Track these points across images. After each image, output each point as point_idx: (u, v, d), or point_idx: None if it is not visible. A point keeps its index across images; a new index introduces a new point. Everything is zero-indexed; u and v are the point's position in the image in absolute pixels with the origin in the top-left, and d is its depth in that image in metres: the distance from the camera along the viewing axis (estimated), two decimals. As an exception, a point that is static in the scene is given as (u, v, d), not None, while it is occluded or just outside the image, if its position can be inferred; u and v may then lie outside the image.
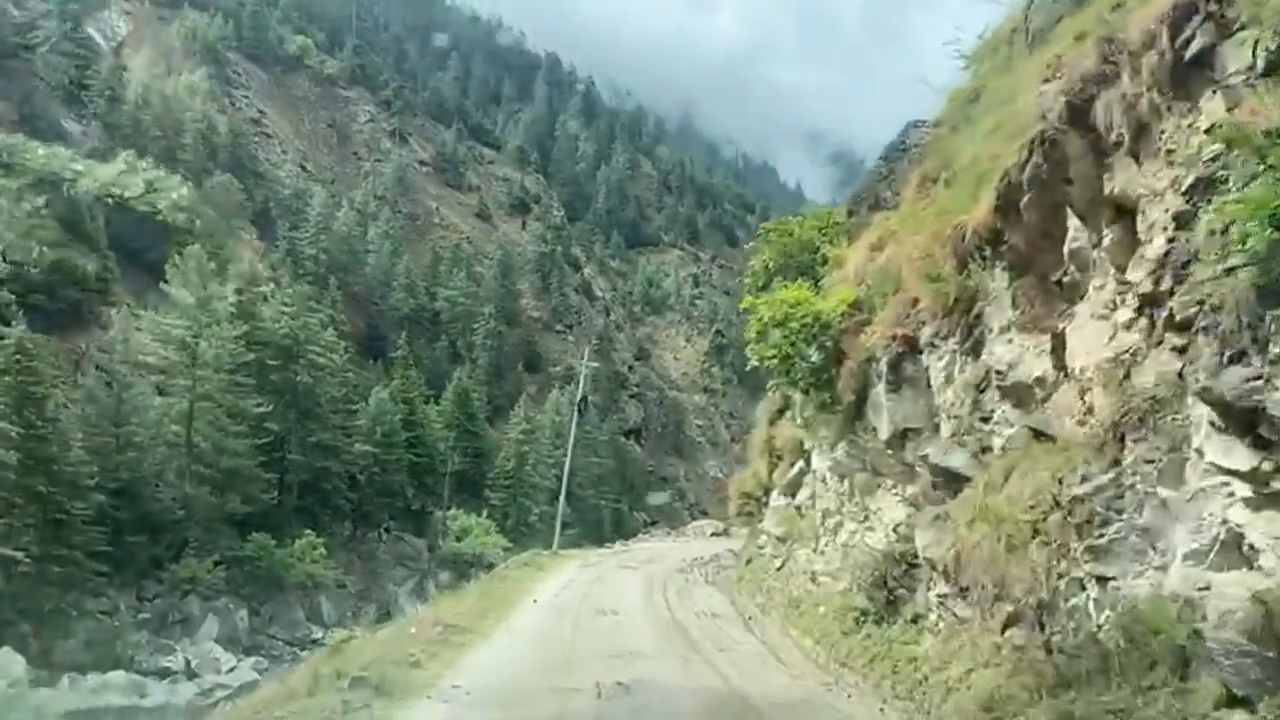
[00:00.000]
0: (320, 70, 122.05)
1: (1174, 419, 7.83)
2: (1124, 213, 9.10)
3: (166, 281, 43.32)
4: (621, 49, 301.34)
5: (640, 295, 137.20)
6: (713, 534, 49.55)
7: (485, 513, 61.13)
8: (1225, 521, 7.16)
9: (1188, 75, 8.03)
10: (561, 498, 43.98)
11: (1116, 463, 8.41)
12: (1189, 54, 7.93)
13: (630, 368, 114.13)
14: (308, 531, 45.06)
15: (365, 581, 52.04)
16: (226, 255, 57.93)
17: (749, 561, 24.10)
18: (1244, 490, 6.92)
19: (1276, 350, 6.47)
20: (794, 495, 20.64)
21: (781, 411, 22.40)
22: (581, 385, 44.90)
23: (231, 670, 37.69)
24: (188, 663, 37.82)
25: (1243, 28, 7.37)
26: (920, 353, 13.58)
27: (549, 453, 70.10)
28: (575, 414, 44.85)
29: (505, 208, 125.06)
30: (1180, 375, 7.72)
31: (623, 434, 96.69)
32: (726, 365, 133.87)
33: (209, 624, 40.64)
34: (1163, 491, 7.81)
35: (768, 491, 23.87)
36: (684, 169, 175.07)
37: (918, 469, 13.44)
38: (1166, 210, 8.19)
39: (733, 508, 26.62)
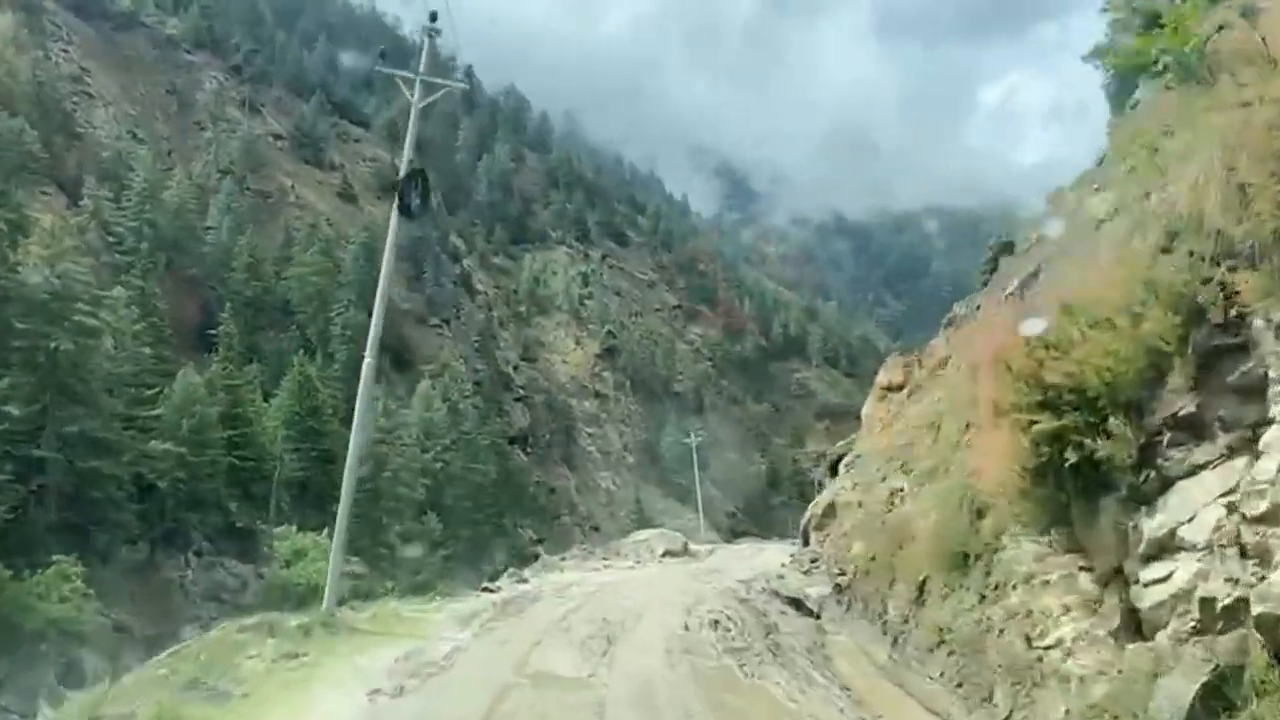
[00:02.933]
0: (160, 30, 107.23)
1: None
2: None
3: None
4: (503, 44, 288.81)
5: (526, 293, 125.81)
6: (665, 553, 37.34)
7: (329, 531, 48.49)
8: None
9: None
10: (351, 456, 20.23)
11: None
12: None
13: (515, 368, 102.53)
14: (59, 558, 31.98)
15: (159, 623, 38.99)
16: None
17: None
18: None
19: None
20: None
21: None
22: (409, 145, 22.20)
23: (-97, 773, 24.66)
24: None
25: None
26: None
27: (416, 457, 58.03)
28: (395, 207, 20.82)
29: (373, 189, 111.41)
30: None
31: (507, 440, 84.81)
32: (619, 369, 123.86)
33: (-116, 698, 27.46)
34: None
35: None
36: (572, 165, 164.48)
37: None
38: None
39: (877, 441, 12.06)
